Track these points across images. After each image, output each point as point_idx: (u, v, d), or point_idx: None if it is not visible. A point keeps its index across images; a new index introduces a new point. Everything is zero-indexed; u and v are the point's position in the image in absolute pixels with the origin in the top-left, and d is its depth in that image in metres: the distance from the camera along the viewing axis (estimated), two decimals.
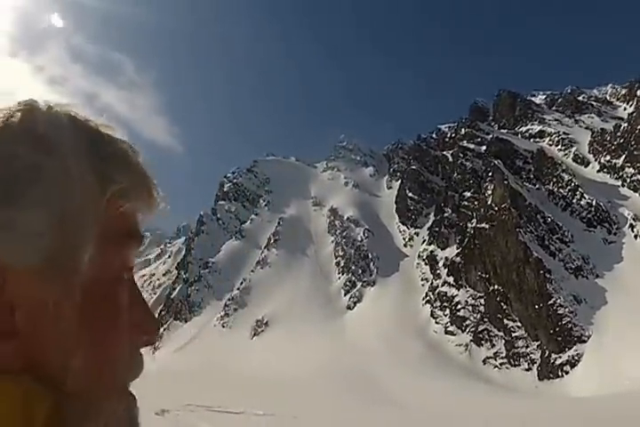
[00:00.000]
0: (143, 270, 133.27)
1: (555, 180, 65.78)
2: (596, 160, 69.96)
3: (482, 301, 58.56)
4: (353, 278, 77.39)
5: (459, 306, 60.08)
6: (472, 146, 75.86)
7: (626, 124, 66.77)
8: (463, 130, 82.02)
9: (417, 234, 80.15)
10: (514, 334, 53.30)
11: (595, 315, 47.55)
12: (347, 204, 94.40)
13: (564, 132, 76.85)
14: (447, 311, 60.93)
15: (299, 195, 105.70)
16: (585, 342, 45.99)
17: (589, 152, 72.00)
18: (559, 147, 74.93)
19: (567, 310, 49.04)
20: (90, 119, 0.54)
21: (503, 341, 53.65)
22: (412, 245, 78.62)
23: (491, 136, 74.95)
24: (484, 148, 73.27)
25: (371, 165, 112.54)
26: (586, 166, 70.02)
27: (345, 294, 75.34)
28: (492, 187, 61.50)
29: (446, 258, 66.84)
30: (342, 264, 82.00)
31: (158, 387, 37.45)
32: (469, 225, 64.39)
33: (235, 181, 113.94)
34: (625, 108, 79.70)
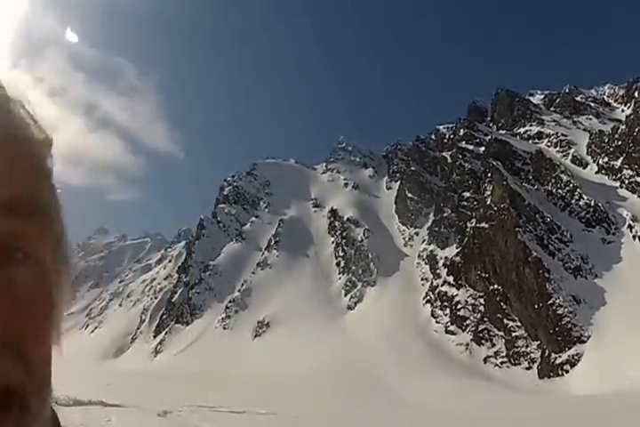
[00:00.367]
0: (144, 275, 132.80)
1: (553, 180, 65.97)
2: (594, 162, 70.07)
3: (482, 300, 58.71)
4: (353, 279, 77.49)
5: (459, 306, 60.21)
6: (471, 147, 76.10)
7: (624, 127, 66.91)
8: (462, 131, 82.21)
9: (417, 234, 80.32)
10: (514, 334, 53.44)
11: (594, 315, 47.71)
12: (347, 205, 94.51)
13: (563, 134, 76.96)
14: (447, 311, 61.07)
15: (299, 196, 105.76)
16: (584, 342, 46.11)
17: (588, 154, 72.12)
18: (558, 148, 75.06)
19: (566, 310, 49.15)
20: None
21: (503, 340, 53.79)
22: (411, 245, 78.80)
23: (489, 137, 75.15)
24: (482, 149, 73.53)
25: (370, 166, 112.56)
26: (584, 168, 70.17)
27: (345, 295, 75.44)
28: (492, 187, 61.72)
29: (446, 258, 67.03)
30: (342, 265, 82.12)
31: (160, 389, 37.74)
32: (469, 225, 64.62)
33: (235, 184, 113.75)
34: (623, 110, 79.96)
